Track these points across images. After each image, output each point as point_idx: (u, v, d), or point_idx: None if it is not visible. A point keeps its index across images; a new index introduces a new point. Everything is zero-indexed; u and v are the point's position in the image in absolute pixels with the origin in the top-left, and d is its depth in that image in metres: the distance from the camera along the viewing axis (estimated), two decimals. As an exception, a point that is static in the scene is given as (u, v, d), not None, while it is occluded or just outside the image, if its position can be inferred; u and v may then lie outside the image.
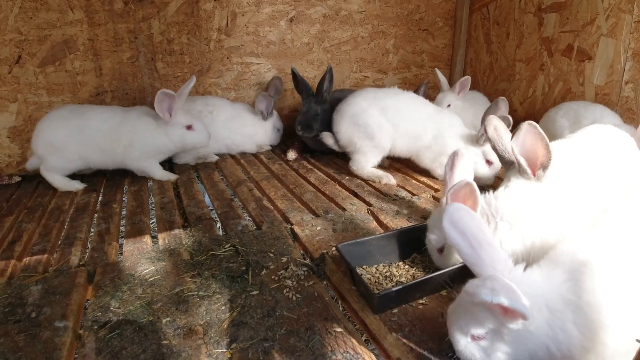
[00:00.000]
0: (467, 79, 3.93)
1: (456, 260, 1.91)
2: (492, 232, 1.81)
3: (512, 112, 3.88)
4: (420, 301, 1.88)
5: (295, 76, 3.65)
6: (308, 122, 3.60)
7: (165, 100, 3.10)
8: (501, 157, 2.19)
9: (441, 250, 1.90)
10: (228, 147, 4.01)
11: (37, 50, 3.46)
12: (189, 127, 3.29)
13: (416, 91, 4.01)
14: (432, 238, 1.95)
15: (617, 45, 3.21)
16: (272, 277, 2.07)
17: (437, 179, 3.25)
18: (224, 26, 3.97)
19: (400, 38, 4.67)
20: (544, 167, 2.00)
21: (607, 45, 3.29)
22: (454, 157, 1.93)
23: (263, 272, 2.11)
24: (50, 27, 3.44)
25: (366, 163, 3.26)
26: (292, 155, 3.87)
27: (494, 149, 2.22)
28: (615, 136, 2.40)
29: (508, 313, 1.25)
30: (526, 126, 1.98)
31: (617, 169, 2.18)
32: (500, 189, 1.99)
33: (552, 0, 3.70)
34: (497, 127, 2.20)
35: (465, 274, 1.93)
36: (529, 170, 2.02)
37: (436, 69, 4.07)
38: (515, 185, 2.01)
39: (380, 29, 4.55)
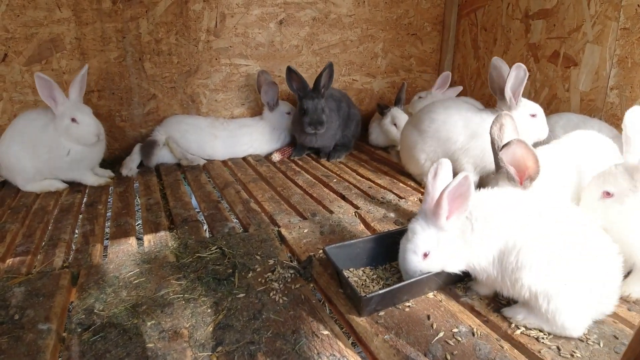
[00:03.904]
0: (448, 74, 4.20)
1: (436, 268, 1.90)
2: (470, 233, 1.81)
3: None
4: (407, 304, 1.89)
5: (292, 72, 3.55)
6: (320, 119, 3.56)
7: (44, 86, 2.90)
8: (495, 160, 2.20)
9: (426, 254, 1.87)
10: (254, 152, 4.06)
11: (23, 49, 3.41)
12: (73, 120, 3.01)
13: (398, 95, 4.06)
14: (418, 241, 1.85)
15: (603, 51, 3.25)
16: (259, 279, 2.07)
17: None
18: (212, 27, 3.95)
19: (389, 42, 4.68)
20: (532, 179, 2.05)
21: (592, 52, 3.33)
22: (438, 166, 1.92)
23: (249, 275, 2.10)
24: (37, 25, 3.41)
25: None
26: (276, 157, 3.87)
27: (492, 147, 2.22)
28: (598, 141, 2.46)
29: None
30: (515, 142, 2.02)
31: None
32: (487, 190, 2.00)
33: (539, 7, 3.74)
34: (504, 126, 2.20)
35: (451, 277, 1.95)
36: (517, 179, 2.06)
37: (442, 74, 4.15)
38: (502, 190, 2.04)
39: (369, 33, 4.57)
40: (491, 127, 2.22)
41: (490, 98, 4.29)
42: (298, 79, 3.58)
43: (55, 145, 3.05)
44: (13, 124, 3.11)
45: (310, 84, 3.57)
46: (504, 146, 2.08)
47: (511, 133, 2.21)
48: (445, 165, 1.92)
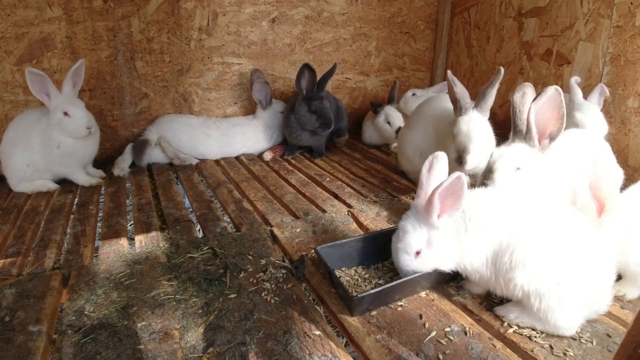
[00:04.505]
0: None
1: (429, 266, 1.88)
2: (463, 233, 1.80)
3: (491, 115, 3.90)
4: (399, 303, 1.88)
5: (307, 70, 3.48)
6: (331, 118, 3.62)
7: (37, 82, 2.88)
8: (514, 121, 2.22)
9: (418, 253, 1.86)
10: (246, 150, 4.05)
11: (14, 48, 3.38)
12: (66, 114, 2.99)
13: (390, 93, 4.07)
14: (410, 240, 1.83)
15: (596, 49, 3.25)
16: (251, 279, 2.06)
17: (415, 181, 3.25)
18: (205, 26, 3.93)
19: (382, 40, 4.68)
20: (552, 137, 2.07)
21: (585, 50, 3.33)
22: (433, 159, 1.90)
23: (241, 275, 2.09)
24: (27, 24, 3.37)
25: None
26: (268, 155, 3.86)
27: (513, 112, 2.23)
28: (592, 140, 2.46)
29: None
30: (552, 90, 2.02)
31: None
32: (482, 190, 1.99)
33: (532, 5, 3.74)
34: (526, 94, 2.21)
35: (443, 276, 1.95)
36: (536, 137, 2.06)
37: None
38: (516, 147, 2.12)
39: (363, 31, 4.56)
40: (514, 94, 2.23)
41: (483, 96, 4.29)
42: (311, 79, 3.54)
43: (46, 138, 3.04)
44: (11, 122, 3.12)
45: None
46: (539, 94, 2.06)
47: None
48: (441, 159, 1.89)
